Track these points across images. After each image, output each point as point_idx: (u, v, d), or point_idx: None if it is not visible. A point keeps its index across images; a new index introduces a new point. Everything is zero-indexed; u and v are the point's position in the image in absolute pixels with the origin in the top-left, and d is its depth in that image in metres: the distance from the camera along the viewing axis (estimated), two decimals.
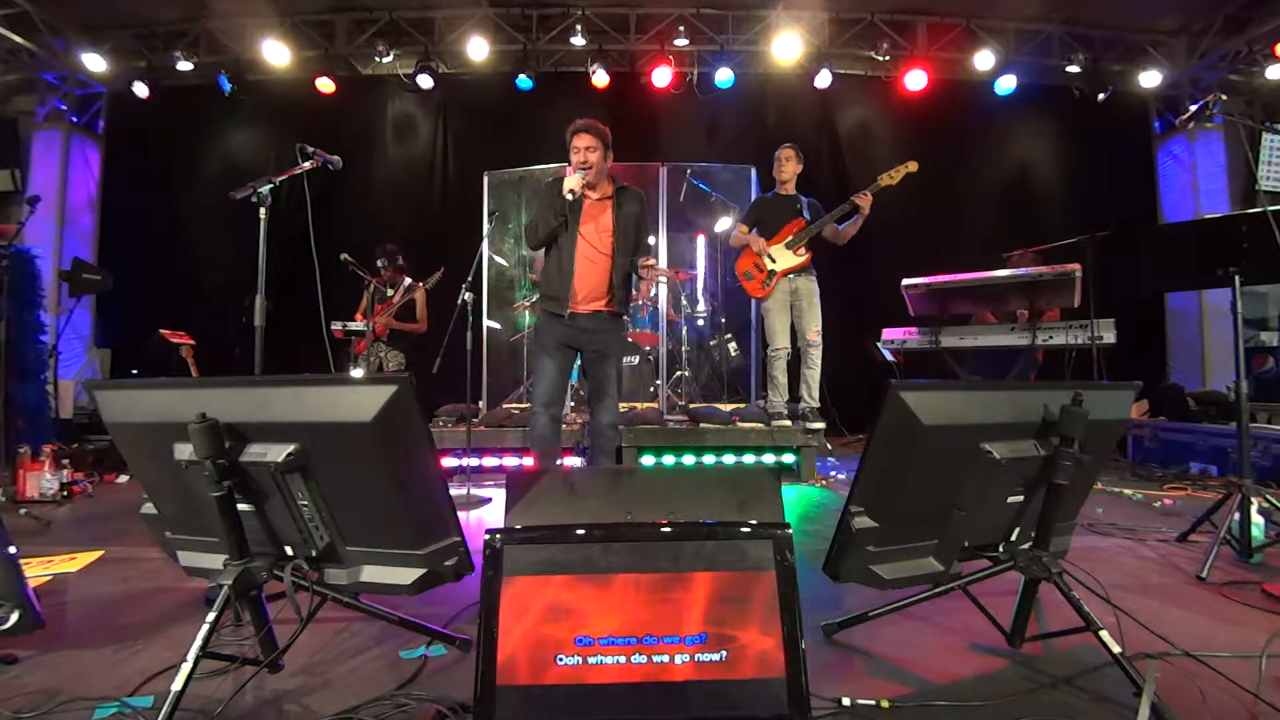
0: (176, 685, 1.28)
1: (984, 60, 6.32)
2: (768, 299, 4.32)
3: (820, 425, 4.34)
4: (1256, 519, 2.55)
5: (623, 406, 4.99)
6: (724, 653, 1.27)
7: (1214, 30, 6.18)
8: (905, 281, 4.46)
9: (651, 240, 5.73)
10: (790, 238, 4.25)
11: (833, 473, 4.56)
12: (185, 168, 6.94)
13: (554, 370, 3.11)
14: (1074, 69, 6.35)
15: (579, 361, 3.43)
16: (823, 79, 6.43)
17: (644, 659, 1.27)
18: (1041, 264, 4.30)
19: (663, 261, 5.23)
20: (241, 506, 1.41)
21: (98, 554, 2.72)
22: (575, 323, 3.07)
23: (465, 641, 1.75)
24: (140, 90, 6.43)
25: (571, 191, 2.95)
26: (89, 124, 6.98)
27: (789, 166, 4.34)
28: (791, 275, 4.28)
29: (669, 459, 4.36)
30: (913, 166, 4.10)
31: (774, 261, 4.26)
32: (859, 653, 1.77)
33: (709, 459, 4.34)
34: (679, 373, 5.63)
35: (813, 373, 4.30)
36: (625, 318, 3.20)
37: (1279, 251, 2.45)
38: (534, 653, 1.26)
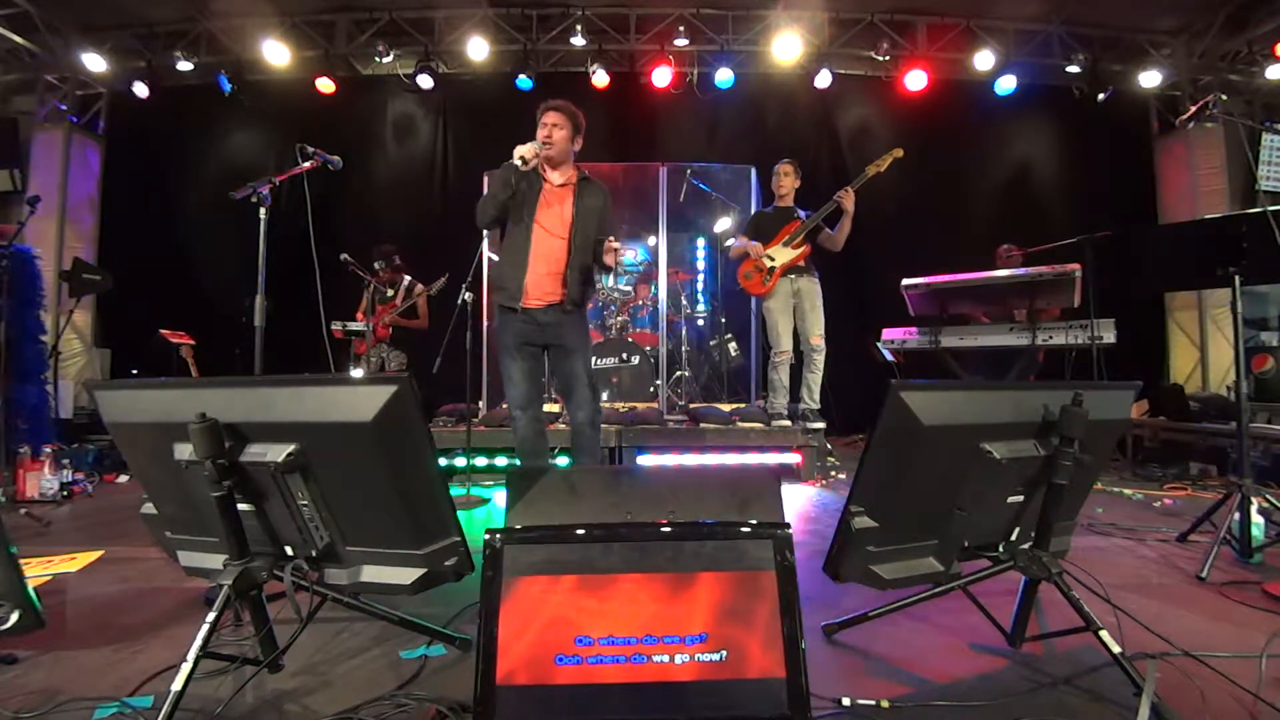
0: (176, 685, 1.28)
1: (984, 60, 6.31)
2: (770, 299, 4.32)
3: (820, 425, 4.34)
4: (1256, 519, 2.55)
5: (622, 406, 5.01)
6: (724, 653, 1.27)
7: (1214, 30, 6.18)
8: (905, 281, 4.47)
9: (651, 240, 5.75)
10: (787, 236, 4.27)
11: (833, 472, 4.55)
12: (185, 168, 6.94)
13: (522, 373, 2.90)
14: (1074, 69, 6.35)
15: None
16: (823, 79, 6.43)
17: (644, 659, 1.26)
18: (1029, 265, 4.31)
19: (663, 261, 5.23)
20: (241, 506, 1.41)
21: (98, 554, 2.72)
22: (531, 318, 2.86)
23: (465, 641, 1.75)
24: (140, 90, 6.43)
25: (523, 159, 2.69)
26: (89, 124, 6.98)
27: (787, 182, 4.37)
28: (793, 275, 4.29)
29: (669, 459, 4.36)
30: (899, 153, 4.18)
31: (772, 260, 4.28)
32: (859, 653, 1.77)
33: (709, 459, 4.34)
34: (679, 373, 5.63)
35: (814, 376, 4.32)
36: (585, 311, 3.02)
37: (1279, 251, 2.45)
38: (534, 653, 1.26)
